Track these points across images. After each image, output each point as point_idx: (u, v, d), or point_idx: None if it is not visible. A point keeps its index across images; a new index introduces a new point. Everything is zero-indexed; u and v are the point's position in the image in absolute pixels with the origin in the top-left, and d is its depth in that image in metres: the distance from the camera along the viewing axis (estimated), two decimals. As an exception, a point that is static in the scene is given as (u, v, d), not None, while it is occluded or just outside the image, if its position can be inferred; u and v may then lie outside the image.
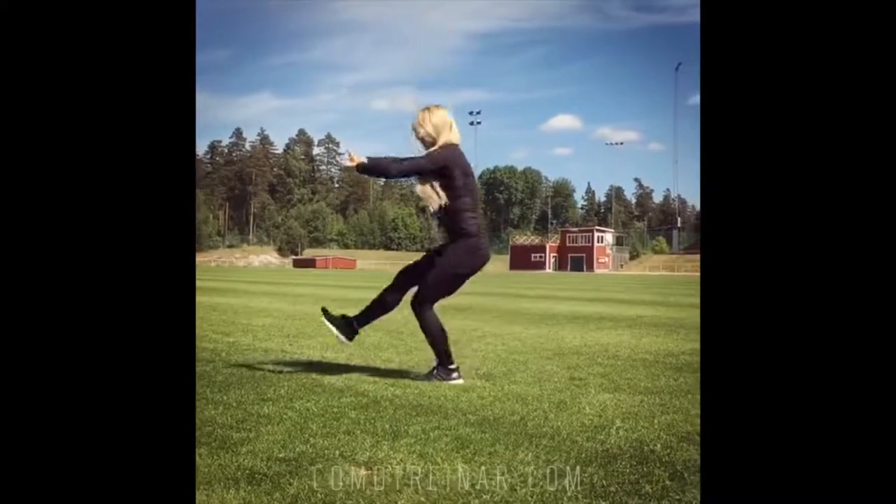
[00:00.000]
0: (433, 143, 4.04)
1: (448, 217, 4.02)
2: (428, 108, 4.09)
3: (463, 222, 4.01)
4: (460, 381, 4.03)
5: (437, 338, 4.11)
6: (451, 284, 4.13)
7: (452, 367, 4.09)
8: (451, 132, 4.05)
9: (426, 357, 4.96)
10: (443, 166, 3.96)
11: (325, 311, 4.35)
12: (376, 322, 4.38)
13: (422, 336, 4.23)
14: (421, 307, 4.10)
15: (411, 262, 4.31)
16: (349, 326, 4.26)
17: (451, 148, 4.02)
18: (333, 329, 4.27)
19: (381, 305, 4.24)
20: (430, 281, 4.07)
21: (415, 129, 4.08)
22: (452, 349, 4.17)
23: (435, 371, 4.10)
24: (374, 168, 4.05)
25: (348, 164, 4.06)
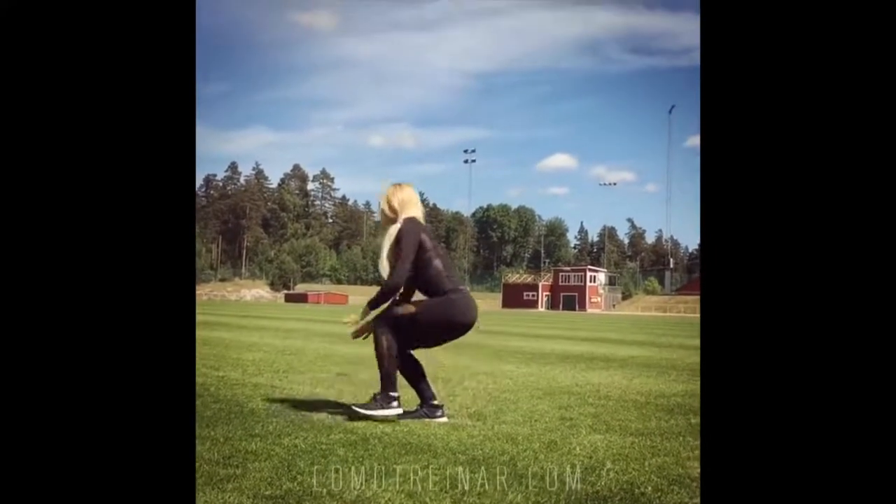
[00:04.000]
0: (394, 219, 4.04)
1: (428, 285, 4.02)
2: (398, 185, 4.14)
3: (441, 284, 3.99)
4: (399, 411, 3.97)
5: (385, 359, 4.01)
6: (429, 336, 4.06)
7: (394, 394, 3.99)
8: (415, 208, 4.09)
9: (414, 395, 4.92)
10: (418, 239, 3.96)
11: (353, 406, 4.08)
12: (368, 361, 4.35)
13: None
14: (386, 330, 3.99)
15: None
16: (385, 400, 4.01)
17: (414, 221, 4.03)
18: (377, 413, 3.98)
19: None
20: (406, 326, 3.97)
21: (382, 203, 4.10)
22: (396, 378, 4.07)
23: (376, 398, 3.99)
24: (379, 301, 4.05)
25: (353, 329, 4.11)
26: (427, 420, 3.96)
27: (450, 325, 4.01)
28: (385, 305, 4.06)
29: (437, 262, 4.00)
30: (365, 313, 4.10)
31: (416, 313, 4.00)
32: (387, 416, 3.93)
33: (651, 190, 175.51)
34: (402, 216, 4.04)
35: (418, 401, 4.09)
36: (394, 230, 3.99)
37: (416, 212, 4.09)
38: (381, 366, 4.02)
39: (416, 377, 4.12)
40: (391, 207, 4.08)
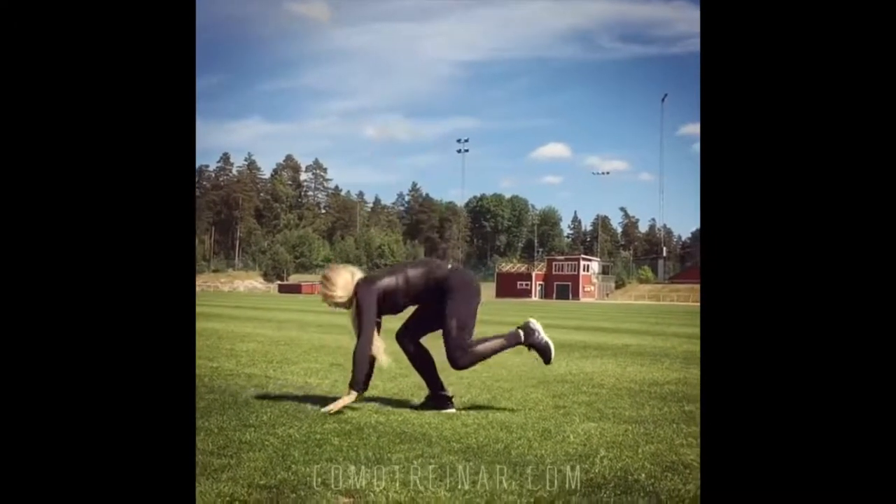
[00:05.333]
0: (349, 301, 3.96)
1: (429, 293, 4.01)
2: (326, 277, 4.02)
3: (438, 274, 4.00)
4: (453, 410, 4.02)
5: (428, 362, 4.14)
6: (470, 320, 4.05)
7: (445, 394, 4.09)
8: (354, 278, 4.00)
9: (410, 384, 4.93)
10: (381, 295, 3.92)
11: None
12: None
13: (406, 363, 4.23)
14: (411, 341, 4.13)
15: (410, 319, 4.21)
16: (439, 400, 4.10)
17: (360, 283, 3.97)
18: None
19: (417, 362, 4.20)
20: (453, 326, 3.95)
21: (327, 299, 4.01)
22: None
23: (430, 400, 4.09)
24: (358, 377, 3.84)
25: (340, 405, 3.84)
26: (423, 410, 3.96)
27: (475, 298, 4.09)
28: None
29: (413, 272, 3.99)
30: (347, 396, 3.84)
31: (455, 316, 3.97)
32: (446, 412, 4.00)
33: (644, 179, 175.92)
34: (352, 290, 3.96)
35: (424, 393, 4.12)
36: (367, 298, 3.91)
37: (357, 276, 4.02)
38: (426, 372, 4.13)
39: (429, 366, 4.14)
40: (339, 296, 3.96)
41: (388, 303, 3.99)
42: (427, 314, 4.11)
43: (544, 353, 4.13)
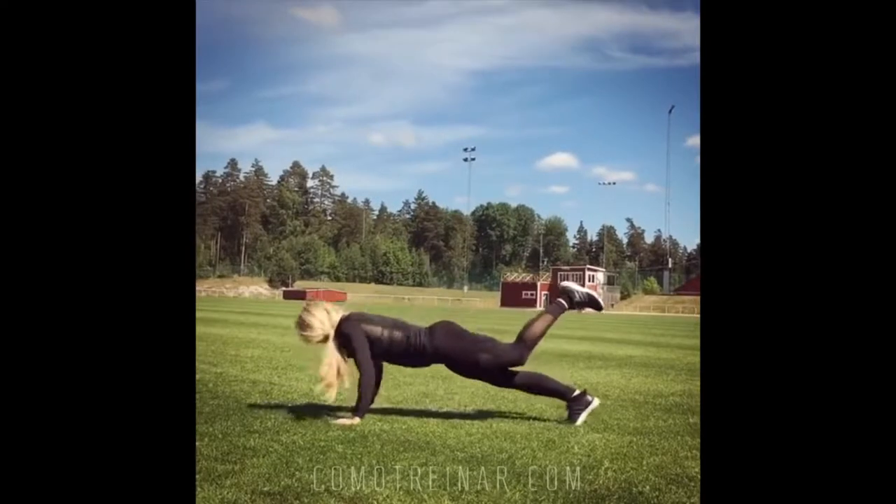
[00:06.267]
0: (327, 334, 3.94)
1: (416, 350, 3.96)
2: (307, 310, 4.00)
3: (420, 342, 3.94)
4: (596, 402, 4.06)
5: (540, 384, 4.10)
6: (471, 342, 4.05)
7: (578, 393, 4.05)
8: (336, 313, 4.00)
9: (414, 392, 4.93)
10: (362, 332, 3.91)
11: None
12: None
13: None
14: (507, 378, 4.08)
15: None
16: (578, 403, 4.04)
17: (346, 318, 3.97)
18: (586, 414, 4.03)
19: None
20: (483, 357, 3.97)
21: (307, 329, 3.95)
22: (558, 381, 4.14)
23: (570, 409, 4.04)
24: (365, 406, 3.85)
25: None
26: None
27: (461, 329, 4.08)
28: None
29: (398, 334, 3.95)
30: (351, 420, 3.77)
31: (473, 352, 3.97)
32: (592, 409, 4.04)
33: (650, 190, 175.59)
34: (337, 323, 3.95)
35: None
36: (333, 339, 3.90)
37: (339, 312, 4.02)
38: (543, 390, 4.13)
39: (540, 386, 4.13)
40: (320, 329, 3.93)
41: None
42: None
43: (594, 304, 4.20)
